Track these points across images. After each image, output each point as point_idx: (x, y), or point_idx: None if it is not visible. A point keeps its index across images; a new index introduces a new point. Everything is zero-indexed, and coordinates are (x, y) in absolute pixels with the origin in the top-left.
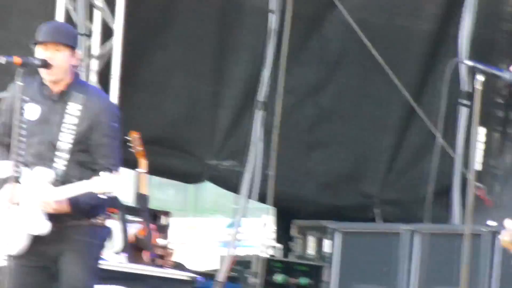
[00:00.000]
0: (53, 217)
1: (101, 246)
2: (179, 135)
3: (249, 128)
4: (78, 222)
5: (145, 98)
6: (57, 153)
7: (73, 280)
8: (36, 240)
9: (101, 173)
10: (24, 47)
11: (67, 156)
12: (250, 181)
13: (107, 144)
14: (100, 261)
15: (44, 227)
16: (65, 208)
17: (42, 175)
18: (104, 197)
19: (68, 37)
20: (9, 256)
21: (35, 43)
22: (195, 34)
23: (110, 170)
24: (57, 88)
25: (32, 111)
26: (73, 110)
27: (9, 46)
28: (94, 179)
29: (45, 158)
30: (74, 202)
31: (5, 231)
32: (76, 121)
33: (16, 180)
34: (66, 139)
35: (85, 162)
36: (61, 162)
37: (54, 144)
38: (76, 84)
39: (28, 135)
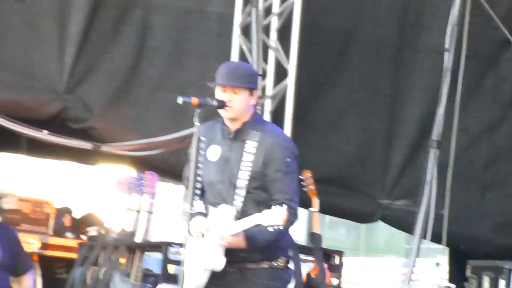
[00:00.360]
0: (233, 257)
1: (281, 287)
2: (352, 174)
3: (422, 167)
4: (258, 265)
5: (317, 137)
6: (236, 191)
7: None
8: (217, 281)
9: (272, 206)
10: (200, 88)
11: (244, 193)
12: (423, 221)
13: (281, 179)
14: None
15: (219, 263)
16: (241, 242)
17: (224, 212)
18: (273, 229)
19: (246, 79)
20: None
21: (215, 85)
22: (369, 73)
23: (285, 204)
24: (235, 127)
25: (214, 152)
26: (250, 147)
27: (185, 87)
28: (264, 212)
29: (226, 196)
30: (250, 237)
31: (188, 266)
32: (252, 158)
33: (204, 216)
34: (243, 177)
35: (262, 199)
36: (239, 199)
37: (233, 183)
38: (254, 122)
39: (211, 175)
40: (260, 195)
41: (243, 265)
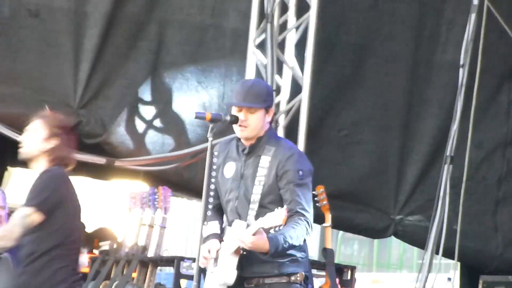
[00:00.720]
0: (251, 273)
1: None
2: (365, 189)
3: (435, 182)
4: (276, 280)
5: (331, 152)
6: (250, 205)
7: None
8: None
9: (275, 209)
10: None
11: (257, 207)
12: (436, 236)
13: (294, 190)
14: None
15: (231, 277)
16: (265, 244)
17: (237, 228)
18: (274, 231)
19: (261, 99)
20: None
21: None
22: (384, 88)
23: (301, 214)
24: (249, 142)
25: (229, 169)
26: (264, 162)
27: (202, 104)
28: (267, 215)
29: (241, 213)
30: (273, 238)
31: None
32: (265, 172)
33: (218, 238)
34: (257, 191)
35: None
36: (252, 213)
37: (248, 198)
38: (269, 137)
39: (227, 192)
40: (274, 209)
41: (260, 280)
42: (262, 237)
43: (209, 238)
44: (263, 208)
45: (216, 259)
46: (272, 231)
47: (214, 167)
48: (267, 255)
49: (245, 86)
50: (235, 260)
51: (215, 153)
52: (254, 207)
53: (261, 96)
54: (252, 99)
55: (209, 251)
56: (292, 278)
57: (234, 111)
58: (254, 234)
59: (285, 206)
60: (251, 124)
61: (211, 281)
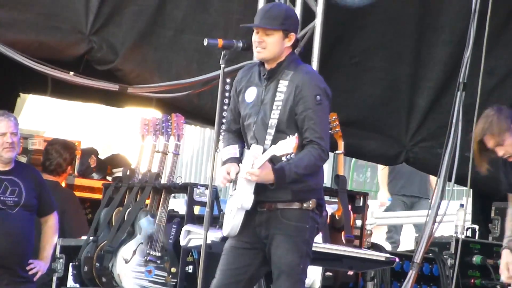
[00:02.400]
0: (264, 197)
1: (312, 230)
2: (377, 116)
3: (448, 110)
4: (288, 205)
5: (343, 80)
6: (268, 130)
7: (280, 264)
8: (248, 221)
9: (287, 137)
10: (223, 29)
11: (274, 132)
12: (448, 163)
13: (311, 117)
14: (311, 244)
15: (248, 201)
16: (269, 175)
17: (253, 152)
18: (286, 159)
19: (278, 21)
20: (224, 236)
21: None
22: (396, 15)
23: (315, 143)
24: (269, 67)
25: (250, 94)
26: (282, 86)
27: (208, 28)
28: (279, 142)
29: (259, 137)
30: (278, 169)
31: (228, 209)
32: (283, 96)
33: (236, 161)
34: (274, 116)
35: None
36: (269, 138)
37: (266, 122)
38: (289, 62)
39: (248, 116)
40: (291, 134)
41: (272, 205)
42: (267, 169)
43: (228, 161)
44: (280, 133)
45: (235, 182)
46: (284, 158)
47: (227, 94)
48: (273, 186)
49: (264, 9)
50: (252, 184)
51: (238, 77)
52: (271, 131)
53: (277, 19)
54: (269, 22)
55: (228, 173)
56: (305, 205)
57: (254, 35)
58: (260, 167)
59: (296, 134)
60: (268, 47)
61: (231, 204)
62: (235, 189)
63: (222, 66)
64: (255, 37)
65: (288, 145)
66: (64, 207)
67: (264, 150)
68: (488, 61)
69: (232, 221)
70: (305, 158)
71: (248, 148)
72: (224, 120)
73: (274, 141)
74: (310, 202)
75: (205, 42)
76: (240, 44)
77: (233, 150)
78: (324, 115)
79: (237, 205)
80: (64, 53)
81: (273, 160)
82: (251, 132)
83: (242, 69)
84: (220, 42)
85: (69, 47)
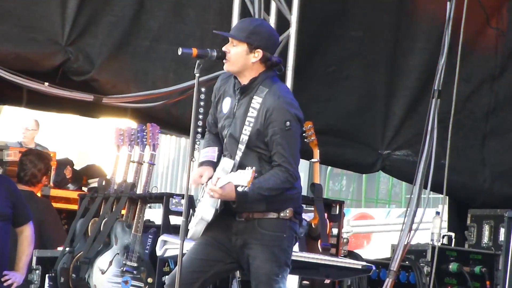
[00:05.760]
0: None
1: (290, 239)
2: (353, 124)
3: (423, 117)
4: (264, 215)
5: (319, 88)
6: (239, 145)
7: (258, 274)
8: (225, 230)
9: (247, 167)
10: (199, 39)
11: (244, 148)
12: (424, 170)
13: (279, 142)
14: (290, 253)
15: (209, 214)
16: (231, 194)
17: (224, 166)
18: (241, 189)
19: (243, 34)
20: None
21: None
22: (371, 23)
23: (283, 167)
24: (242, 82)
25: (226, 105)
26: (255, 103)
27: (184, 38)
28: (238, 171)
29: (231, 150)
30: (240, 192)
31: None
32: (255, 114)
33: (212, 165)
34: (245, 132)
35: (264, 155)
36: (239, 153)
37: (237, 137)
38: (264, 79)
39: (222, 128)
40: (261, 151)
41: (250, 214)
42: (229, 188)
43: (204, 164)
44: (250, 150)
45: (204, 188)
46: (239, 188)
47: (202, 103)
48: (235, 204)
49: (240, 21)
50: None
51: (217, 85)
52: (242, 147)
53: (244, 31)
54: (235, 32)
55: (201, 177)
56: (281, 214)
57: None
58: (222, 187)
59: (253, 168)
60: (231, 57)
61: (198, 209)
62: (202, 196)
63: (197, 75)
64: (226, 47)
65: (244, 178)
66: (42, 217)
67: (235, 166)
68: (464, 68)
69: (195, 228)
70: (271, 180)
71: (224, 155)
72: (199, 130)
73: (244, 157)
74: (287, 211)
75: (180, 51)
76: (215, 53)
77: (212, 153)
78: (293, 140)
79: (200, 216)
80: (40, 64)
81: None
82: (225, 143)
83: (221, 76)
84: (195, 51)
85: (45, 58)
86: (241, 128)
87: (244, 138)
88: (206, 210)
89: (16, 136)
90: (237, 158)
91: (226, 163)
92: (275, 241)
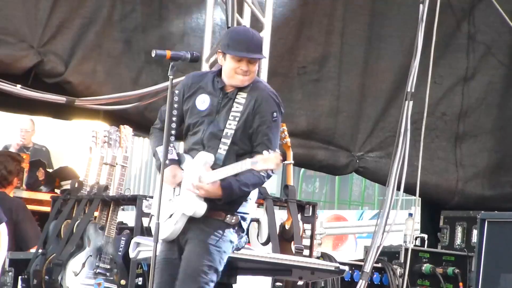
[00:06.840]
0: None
1: (227, 244)
2: (326, 127)
3: (396, 119)
4: (211, 215)
5: (292, 90)
6: (222, 140)
7: (187, 266)
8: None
9: (264, 152)
10: (173, 41)
11: (229, 142)
12: (397, 172)
13: (265, 133)
14: (224, 259)
15: (201, 208)
16: (217, 192)
17: (202, 160)
18: (264, 174)
19: (262, 49)
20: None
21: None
22: (344, 24)
23: None
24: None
25: (203, 102)
26: (240, 98)
27: (158, 40)
28: (257, 156)
29: (208, 144)
30: (226, 187)
31: (163, 213)
32: (240, 108)
33: (178, 164)
34: (230, 127)
35: (244, 151)
36: (223, 148)
37: (220, 131)
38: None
39: (197, 124)
40: (242, 147)
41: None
42: (215, 185)
43: (171, 163)
44: (234, 145)
45: (178, 186)
46: (263, 173)
47: (176, 105)
48: (221, 201)
49: (247, 36)
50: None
51: (188, 82)
52: (226, 141)
53: (260, 47)
54: (258, 50)
55: (174, 177)
56: (227, 218)
57: (232, 60)
58: (211, 183)
59: (278, 151)
60: (251, 74)
61: (170, 208)
62: (178, 194)
63: (171, 77)
64: (240, 65)
65: (272, 162)
66: (16, 217)
67: (217, 160)
68: (436, 70)
69: (174, 226)
70: (255, 176)
71: (187, 151)
72: (173, 132)
73: (228, 152)
74: (234, 218)
75: (153, 54)
76: (189, 55)
77: (174, 152)
78: (277, 131)
79: (185, 211)
80: (12, 67)
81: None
82: (199, 139)
83: (191, 74)
84: (168, 53)
85: (17, 61)
86: (226, 122)
87: (230, 132)
88: (197, 206)
89: (15, 138)
90: (221, 152)
91: (206, 157)
92: (214, 240)
